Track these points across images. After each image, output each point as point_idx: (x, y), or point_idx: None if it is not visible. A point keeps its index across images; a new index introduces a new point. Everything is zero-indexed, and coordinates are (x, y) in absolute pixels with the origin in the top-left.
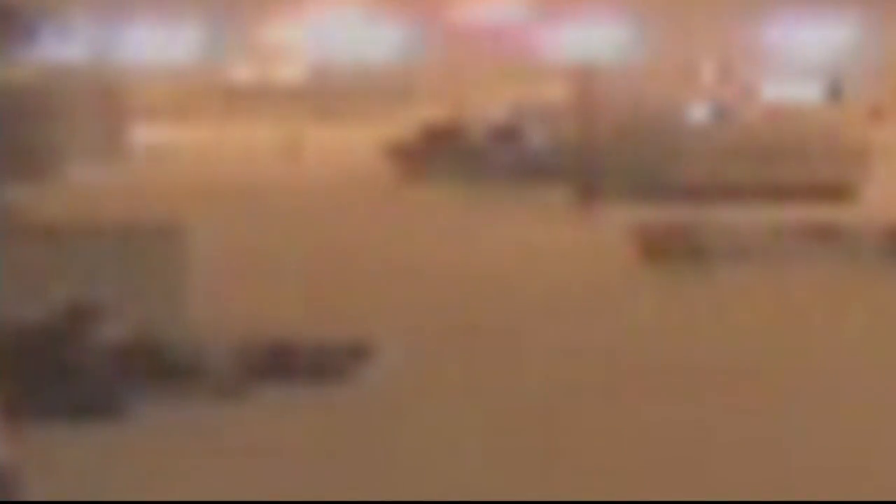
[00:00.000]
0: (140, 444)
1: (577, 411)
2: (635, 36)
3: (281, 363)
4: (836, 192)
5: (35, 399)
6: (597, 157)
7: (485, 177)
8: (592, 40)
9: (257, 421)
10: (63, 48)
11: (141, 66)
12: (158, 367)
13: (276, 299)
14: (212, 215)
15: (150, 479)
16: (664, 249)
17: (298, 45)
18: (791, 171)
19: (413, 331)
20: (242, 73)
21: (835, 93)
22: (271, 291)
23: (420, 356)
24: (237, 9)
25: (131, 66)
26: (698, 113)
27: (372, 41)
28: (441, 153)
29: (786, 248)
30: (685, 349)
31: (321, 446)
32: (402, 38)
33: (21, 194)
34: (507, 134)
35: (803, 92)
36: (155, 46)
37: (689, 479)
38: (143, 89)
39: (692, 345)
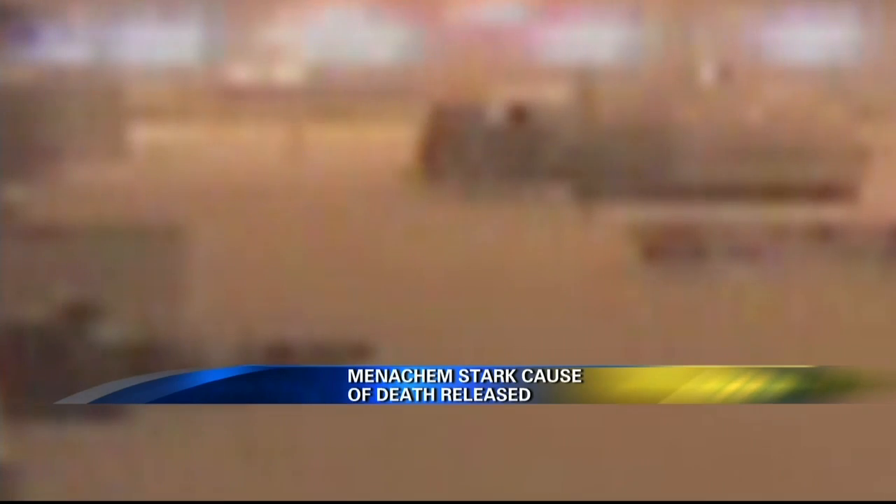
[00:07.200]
0: (140, 444)
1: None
2: (635, 36)
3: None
4: (836, 192)
5: (35, 398)
6: (597, 157)
7: (485, 176)
8: (592, 40)
9: (257, 421)
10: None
11: (141, 66)
12: (158, 367)
13: (276, 299)
14: (212, 215)
15: (151, 479)
16: (664, 249)
17: (298, 45)
18: (791, 171)
19: (413, 331)
20: (242, 73)
21: (834, 92)
22: (271, 291)
23: (420, 356)
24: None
25: (131, 66)
26: (697, 112)
27: (372, 41)
28: (441, 152)
29: (786, 248)
30: (685, 349)
31: (323, 446)
32: (402, 38)
33: (21, 194)
34: (506, 133)
35: (802, 91)
36: (155, 46)
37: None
38: (143, 89)
39: (692, 345)
